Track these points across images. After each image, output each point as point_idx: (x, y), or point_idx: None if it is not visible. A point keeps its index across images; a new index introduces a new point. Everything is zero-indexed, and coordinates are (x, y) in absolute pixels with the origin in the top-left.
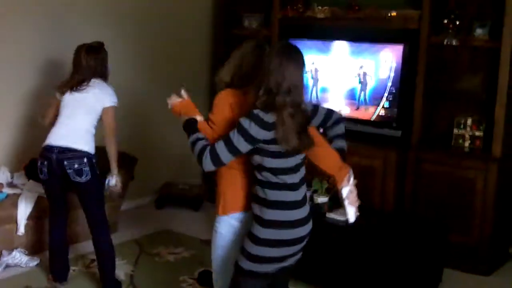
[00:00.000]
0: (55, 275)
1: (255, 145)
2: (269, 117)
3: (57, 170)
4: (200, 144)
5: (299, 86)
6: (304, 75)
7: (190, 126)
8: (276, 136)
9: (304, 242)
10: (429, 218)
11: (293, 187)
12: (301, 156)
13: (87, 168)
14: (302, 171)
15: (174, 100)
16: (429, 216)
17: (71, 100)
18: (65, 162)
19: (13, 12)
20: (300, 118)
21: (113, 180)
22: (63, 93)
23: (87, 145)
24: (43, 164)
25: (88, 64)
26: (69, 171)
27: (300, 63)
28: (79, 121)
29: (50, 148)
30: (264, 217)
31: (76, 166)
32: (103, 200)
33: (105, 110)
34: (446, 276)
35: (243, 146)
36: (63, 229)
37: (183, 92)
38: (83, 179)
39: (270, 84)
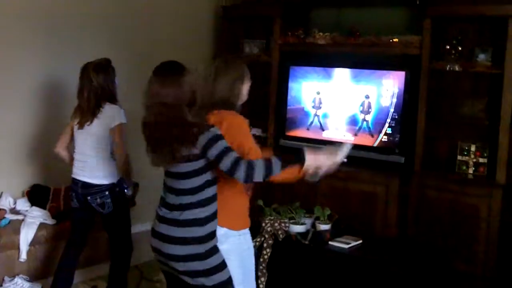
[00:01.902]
0: None
1: None
2: None
3: (83, 202)
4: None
5: (158, 101)
6: (176, 89)
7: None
8: None
9: (176, 266)
10: (432, 245)
11: (161, 200)
12: (178, 180)
13: (109, 200)
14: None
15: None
16: (432, 243)
17: (80, 136)
18: (89, 198)
19: (9, 35)
20: (155, 133)
21: (129, 192)
22: (77, 125)
23: (106, 177)
24: (73, 195)
25: (98, 83)
26: (93, 204)
27: (163, 77)
28: (92, 157)
29: (76, 181)
30: None
31: (98, 200)
32: (126, 230)
33: (111, 131)
34: None
35: None
36: (74, 260)
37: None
38: (106, 211)
39: None
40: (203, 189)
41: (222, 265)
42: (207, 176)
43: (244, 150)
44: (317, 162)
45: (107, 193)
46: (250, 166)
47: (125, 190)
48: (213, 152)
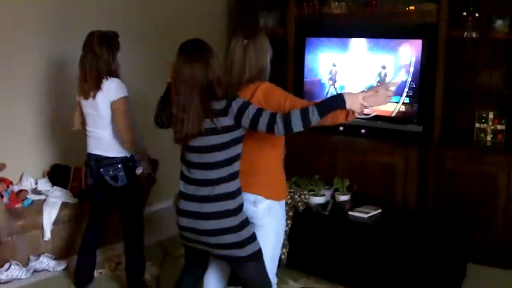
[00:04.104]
0: (80, 278)
1: None
2: None
3: (97, 177)
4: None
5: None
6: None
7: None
8: None
9: (208, 240)
10: (452, 215)
11: (183, 178)
12: (194, 154)
13: (122, 173)
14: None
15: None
16: (452, 213)
17: (88, 110)
18: (101, 170)
19: (13, 17)
20: (186, 106)
21: (140, 170)
22: (81, 95)
23: (119, 151)
24: (87, 171)
25: (99, 55)
26: (106, 177)
27: (190, 55)
28: (103, 132)
29: (89, 156)
30: None
31: (111, 172)
32: (139, 205)
33: (113, 107)
34: (470, 271)
35: None
36: (95, 240)
37: None
38: (119, 184)
39: None
40: (233, 162)
41: (254, 236)
42: (238, 149)
43: (282, 104)
44: (359, 102)
45: (120, 166)
46: (286, 118)
47: (136, 169)
48: (246, 119)
